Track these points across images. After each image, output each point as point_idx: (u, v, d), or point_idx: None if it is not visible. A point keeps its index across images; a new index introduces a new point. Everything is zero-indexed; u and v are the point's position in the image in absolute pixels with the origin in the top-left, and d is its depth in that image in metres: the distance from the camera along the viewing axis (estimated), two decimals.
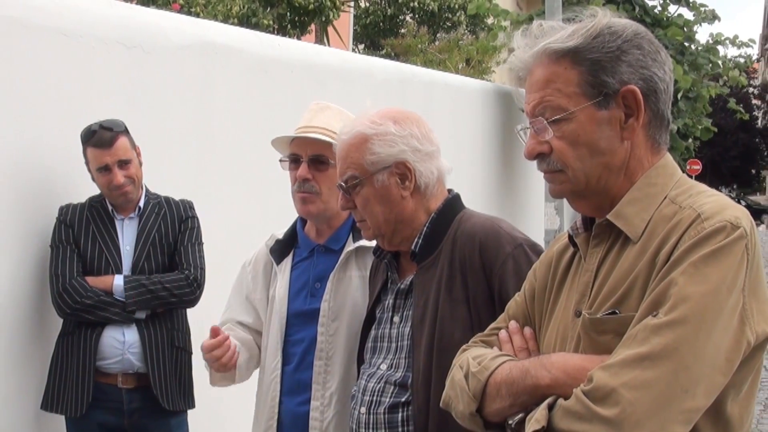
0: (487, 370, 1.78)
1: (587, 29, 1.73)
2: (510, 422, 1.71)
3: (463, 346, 1.98)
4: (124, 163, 3.74)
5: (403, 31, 20.77)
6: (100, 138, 3.71)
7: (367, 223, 2.50)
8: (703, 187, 1.73)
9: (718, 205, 1.62)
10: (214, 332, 2.79)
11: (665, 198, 1.70)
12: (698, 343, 1.52)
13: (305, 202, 2.83)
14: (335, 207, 2.80)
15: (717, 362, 1.54)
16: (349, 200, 2.50)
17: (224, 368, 2.82)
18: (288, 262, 2.94)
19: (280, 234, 3.00)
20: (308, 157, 2.83)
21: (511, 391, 1.72)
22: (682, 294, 1.54)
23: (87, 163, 3.78)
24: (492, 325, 2.01)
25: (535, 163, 1.82)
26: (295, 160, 2.86)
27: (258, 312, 3.00)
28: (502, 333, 1.93)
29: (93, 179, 3.79)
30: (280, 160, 2.94)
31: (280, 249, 2.96)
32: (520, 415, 1.69)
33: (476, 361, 1.83)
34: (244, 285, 3.05)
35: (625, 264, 1.68)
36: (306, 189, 2.82)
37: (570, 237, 1.86)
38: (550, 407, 1.62)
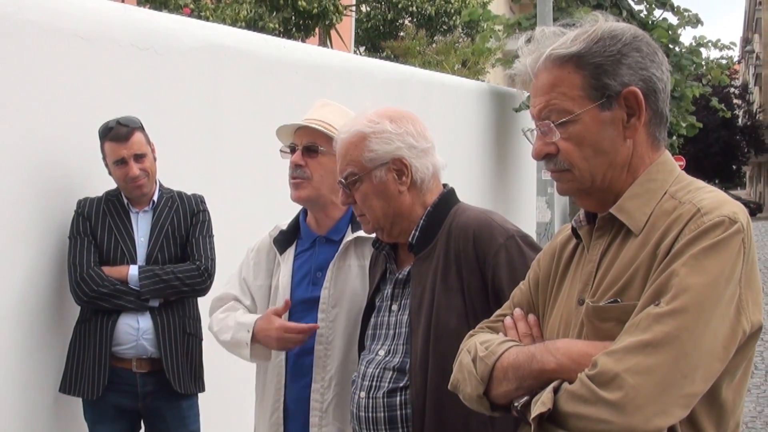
0: (494, 354, 1.78)
1: (588, 34, 1.73)
2: (516, 405, 1.71)
3: (470, 332, 1.98)
4: (139, 157, 3.74)
5: (402, 34, 20.78)
6: (117, 133, 3.71)
7: (366, 217, 2.50)
8: (701, 183, 1.74)
9: (717, 200, 1.63)
10: (287, 306, 2.81)
11: (665, 193, 1.71)
12: (698, 331, 1.53)
13: (297, 187, 2.85)
14: (327, 194, 2.82)
15: (715, 350, 1.54)
16: (349, 196, 2.51)
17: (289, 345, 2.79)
18: (291, 252, 2.94)
19: (284, 225, 3.01)
20: (302, 146, 2.85)
21: (517, 375, 1.72)
22: (683, 285, 1.54)
23: (104, 157, 3.78)
24: (497, 312, 2.01)
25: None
26: (292, 150, 2.89)
27: (252, 296, 3.01)
28: (507, 319, 1.93)
29: (110, 173, 3.80)
30: (281, 150, 2.96)
31: (283, 239, 2.97)
32: (526, 398, 1.69)
33: (484, 345, 1.83)
34: (244, 269, 3.06)
35: (627, 255, 1.68)
36: (298, 174, 2.84)
37: (573, 229, 1.86)
38: (555, 391, 1.63)
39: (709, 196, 1.65)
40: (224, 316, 2.96)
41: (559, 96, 1.72)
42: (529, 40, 1.81)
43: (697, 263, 1.55)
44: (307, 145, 2.84)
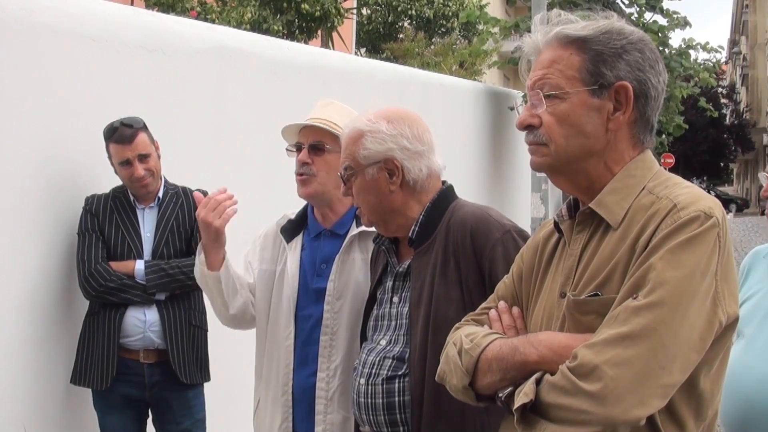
0: (479, 347, 1.78)
1: (599, 25, 1.75)
2: (500, 395, 1.70)
3: (456, 325, 1.97)
4: (143, 157, 3.73)
5: (401, 36, 20.82)
6: (122, 134, 3.69)
7: (362, 209, 2.51)
8: (678, 179, 1.73)
9: (693, 195, 1.62)
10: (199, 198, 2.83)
11: (643, 189, 1.70)
12: (674, 323, 1.52)
13: (303, 183, 2.85)
14: (333, 191, 2.81)
15: (691, 341, 1.54)
16: (348, 187, 2.53)
17: (219, 223, 2.77)
18: (298, 242, 2.94)
19: (292, 214, 3.00)
20: (309, 144, 2.85)
21: (501, 367, 1.71)
22: (660, 278, 1.54)
23: (110, 157, 3.76)
24: (482, 305, 2.00)
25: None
26: (299, 148, 2.89)
27: (254, 278, 2.99)
28: (492, 312, 1.93)
29: (115, 172, 3.78)
30: (287, 149, 2.96)
31: (291, 229, 2.96)
32: (509, 389, 1.68)
33: (469, 338, 1.82)
34: (250, 254, 3.06)
35: (606, 249, 1.67)
36: (304, 171, 2.83)
37: (555, 223, 1.85)
38: (538, 382, 1.62)
39: (686, 191, 1.64)
40: None
41: (556, 72, 1.73)
42: (546, 21, 1.82)
43: (674, 257, 1.55)
44: (314, 144, 2.84)
